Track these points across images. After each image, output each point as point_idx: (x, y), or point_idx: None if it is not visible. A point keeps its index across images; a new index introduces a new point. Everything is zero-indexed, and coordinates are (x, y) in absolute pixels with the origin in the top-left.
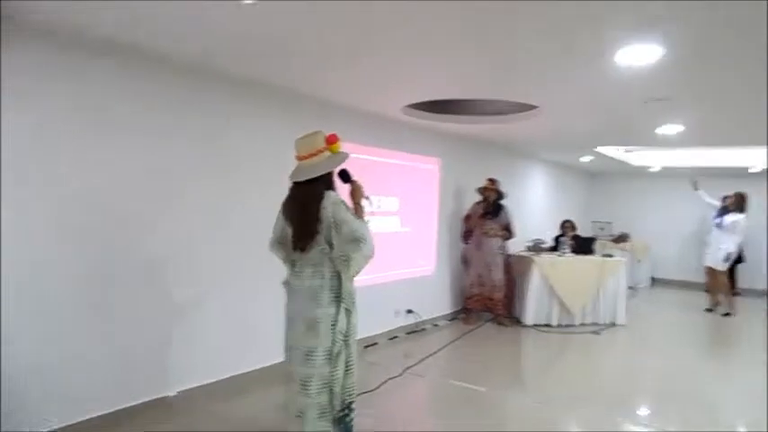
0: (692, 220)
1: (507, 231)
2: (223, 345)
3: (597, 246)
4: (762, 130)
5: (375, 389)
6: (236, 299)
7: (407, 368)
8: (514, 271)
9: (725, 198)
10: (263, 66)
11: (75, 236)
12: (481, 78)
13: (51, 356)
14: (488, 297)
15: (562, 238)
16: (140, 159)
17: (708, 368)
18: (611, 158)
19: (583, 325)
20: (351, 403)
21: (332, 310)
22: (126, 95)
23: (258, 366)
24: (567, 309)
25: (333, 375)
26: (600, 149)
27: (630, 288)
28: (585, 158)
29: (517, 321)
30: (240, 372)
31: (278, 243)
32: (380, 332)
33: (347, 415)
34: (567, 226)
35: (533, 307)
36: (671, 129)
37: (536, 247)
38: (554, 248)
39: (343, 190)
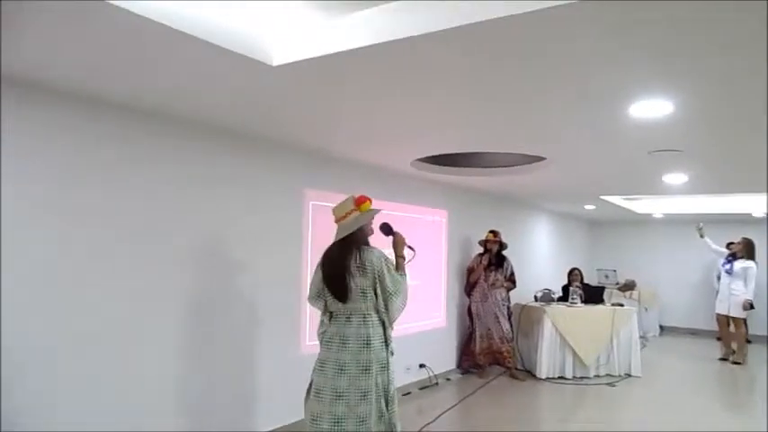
0: (698, 267)
1: (511, 282)
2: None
3: (605, 295)
4: (763, 175)
5: None
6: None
7: (424, 426)
8: (525, 322)
9: (729, 245)
10: (275, 124)
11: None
12: (491, 131)
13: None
14: (498, 350)
15: (571, 288)
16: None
17: (726, 421)
18: (615, 206)
19: (597, 377)
20: None
21: (382, 354)
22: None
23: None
24: (581, 360)
25: (391, 411)
26: (604, 197)
27: (641, 337)
28: (589, 207)
29: (530, 374)
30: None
31: (316, 296)
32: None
33: None
34: (574, 274)
35: (546, 359)
36: (676, 178)
37: (546, 298)
38: (563, 298)
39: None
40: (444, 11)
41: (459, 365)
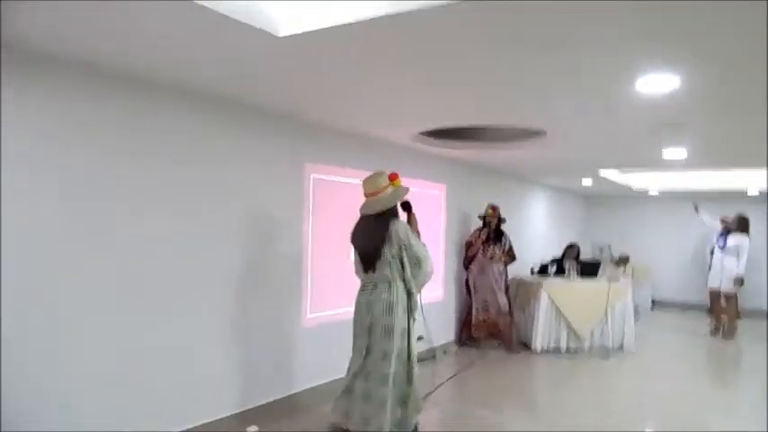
0: (690, 243)
1: (509, 256)
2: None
3: (600, 269)
4: (760, 151)
5: None
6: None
7: (424, 397)
8: (522, 295)
9: (722, 219)
10: (278, 96)
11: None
12: (492, 105)
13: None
14: (494, 323)
15: (568, 262)
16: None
17: (715, 393)
18: (612, 182)
19: (591, 349)
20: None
21: (404, 321)
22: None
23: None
24: (576, 333)
25: (410, 372)
26: (602, 173)
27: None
28: (587, 182)
29: (525, 346)
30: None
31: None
32: None
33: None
34: (572, 250)
35: (542, 332)
36: (676, 153)
37: (543, 272)
38: (558, 272)
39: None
40: None
41: (458, 338)
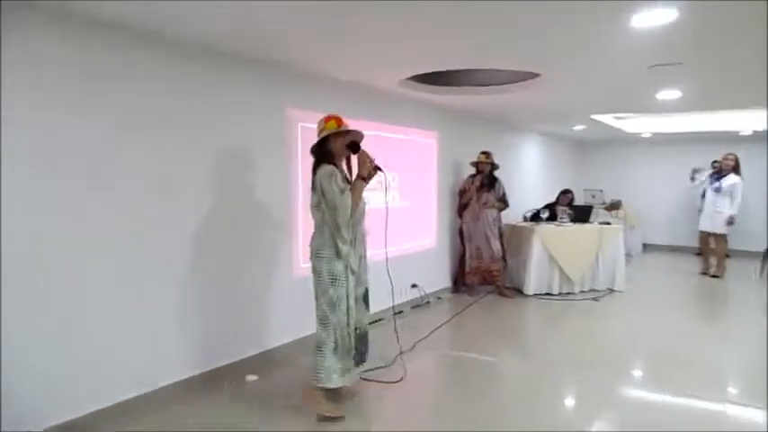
0: (681, 186)
1: (503, 202)
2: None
3: (592, 215)
4: (761, 91)
5: (389, 364)
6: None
7: (417, 342)
8: (514, 241)
9: (714, 162)
10: (258, 43)
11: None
12: (481, 47)
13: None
14: (487, 269)
15: (561, 208)
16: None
17: (705, 330)
18: (605, 126)
19: (582, 292)
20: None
21: (332, 265)
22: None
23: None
24: (568, 277)
25: (336, 318)
26: (594, 117)
27: (625, 255)
28: (579, 127)
29: (518, 291)
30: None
31: None
32: (386, 307)
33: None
34: (566, 196)
35: (534, 277)
36: (670, 94)
37: (535, 218)
38: (551, 218)
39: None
40: None
41: (452, 285)
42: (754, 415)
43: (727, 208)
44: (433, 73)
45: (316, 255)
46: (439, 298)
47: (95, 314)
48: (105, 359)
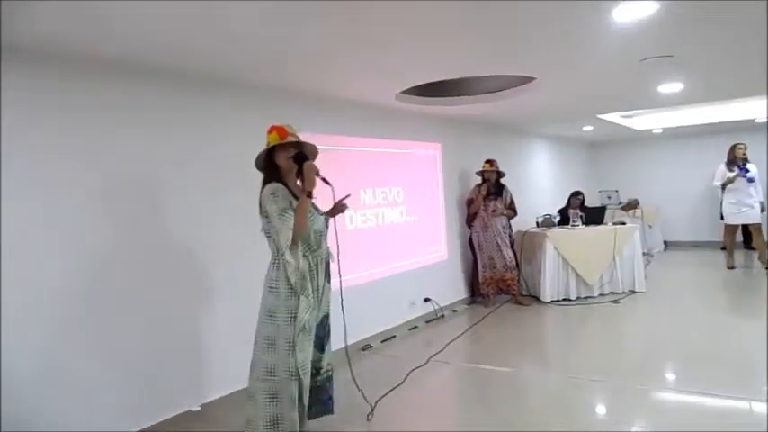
0: (699, 180)
1: (511, 210)
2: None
3: (607, 215)
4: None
5: (401, 382)
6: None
7: (431, 356)
8: (527, 248)
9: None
10: (257, 68)
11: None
12: (473, 55)
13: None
14: (501, 278)
15: (572, 211)
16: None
17: (730, 325)
18: (614, 125)
19: (602, 295)
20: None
21: (290, 302)
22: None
23: None
24: (585, 281)
25: (297, 365)
26: (602, 117)
27: (645, 254)
28: (587, 128)
29: (535, 299)
30: None
31: None
32: (399, 324)
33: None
34: (577, 198)
35: (550, 283)
36: (671, 87)
37: (547, 223)
38: (563, 222)
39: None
40: None
41: (467, 296)
42: None
43: (758, 196)
44: (430, 86)
45: (269, 289)
46: (454, 310)
47: None
48: None
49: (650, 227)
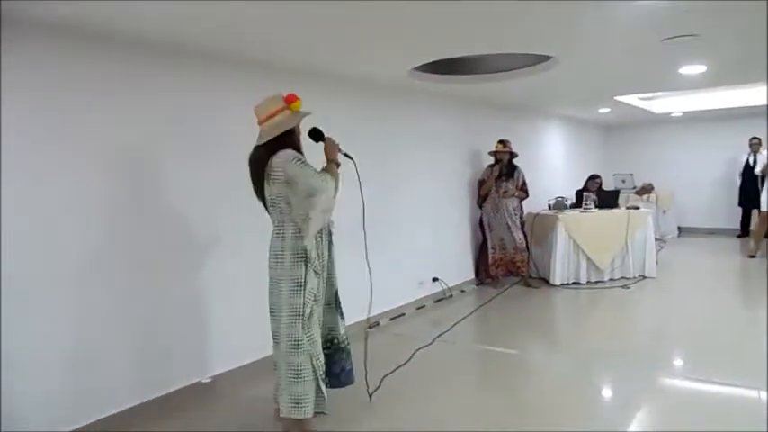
0: (717, 165)
1: (523, 191)
2: (251, 326)
3: (621, 199)
4: None
5: (407, 361)
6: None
7: (437, 336)
8: (539, 230)
9: (753, 139)
10: (268, 46)
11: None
12: (489, 32)
13: (72, 347)
14: (511, 260)
15: (586, 194)
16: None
17: (743, 314)
18: (631, 107)
19: (612, 280)
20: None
21: (295, 271)
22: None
23: None
24: (596, 265)
25: (307, 337)
26: (619, 99)
27: (658, 240)
28: (604, 110)
29: (544, 281)
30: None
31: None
32: (407, 303)
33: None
34: (595, 181)
35: (560, 265)
36: (693, 69)
37: (559, 205)
38: (576, 205)
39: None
40: None
41: (476, 277)
42: None
43: None
44: (444, 63)
45: (275, 259)
46: (462, 291)
47: None
48: None
49: (664, 212)
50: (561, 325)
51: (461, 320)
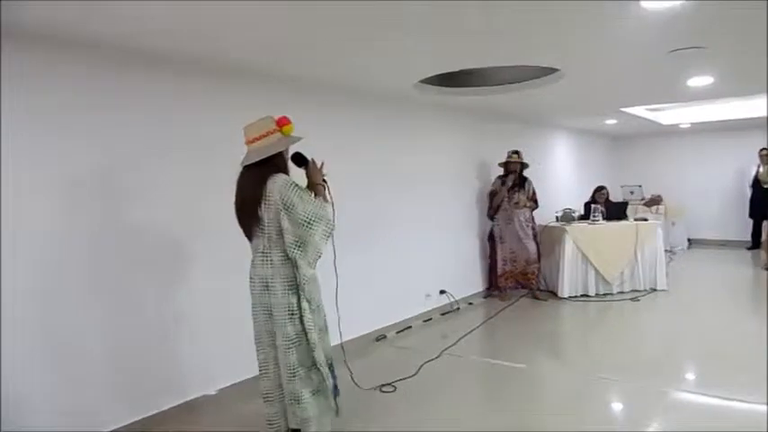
0: (727, 177)
1: (533, 202)
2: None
3: (629, 210)
4: None
5: (413, 374)
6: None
7: (444, 350)
8: (546, 242)
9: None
10: (280, 60)
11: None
12: (496, 44)
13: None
14: (522, 272)
15: (594, 205)
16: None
17: (757, 328)
18: (638, 118)
19: (621, 293)
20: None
21: (287, 299)
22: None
23: None
24: (604, 277)
25: (312, 359)
26: (626, 110)
27: (668, 252)
28: (610, 121)
29: (553, 294)
30: None
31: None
32: (413, 315)
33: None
34: (601, 193)
35: (569, 278)
36: (701, 81)
37: (566, 217)
38: (584, 217)
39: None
40: None
41: (484, 289)
42: None
43: None
44: (450, 75)
45: (265, 288)
46: (470, 303)
47: None
48: None
49: (673, 224)
50: (570, 338)
51: (469, 333)
